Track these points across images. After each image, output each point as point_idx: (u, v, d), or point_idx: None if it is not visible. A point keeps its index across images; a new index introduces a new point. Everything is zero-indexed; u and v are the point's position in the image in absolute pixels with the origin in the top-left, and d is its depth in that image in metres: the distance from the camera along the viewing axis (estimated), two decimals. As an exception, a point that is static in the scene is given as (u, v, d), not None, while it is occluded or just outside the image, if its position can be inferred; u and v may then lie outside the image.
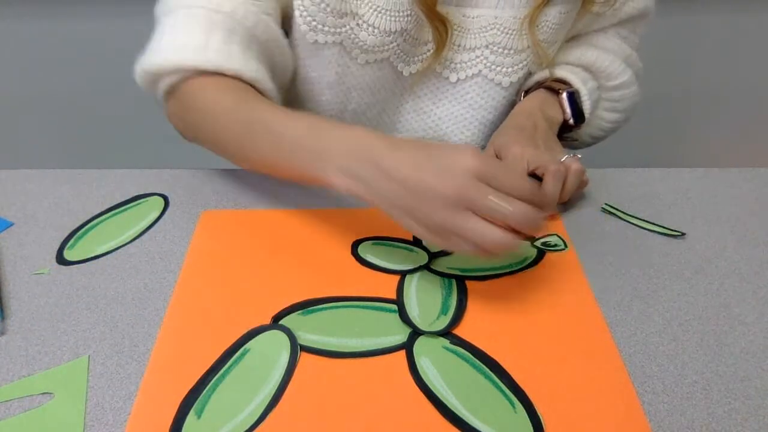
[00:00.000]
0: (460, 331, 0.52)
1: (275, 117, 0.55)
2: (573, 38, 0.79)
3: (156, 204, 0.66)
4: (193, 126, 0.63)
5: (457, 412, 0.46)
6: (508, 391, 0.47)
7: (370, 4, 0.65)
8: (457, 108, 0.75)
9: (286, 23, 0.69)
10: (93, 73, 1.43)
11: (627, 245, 0.62)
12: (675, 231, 0.63)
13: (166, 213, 0.65)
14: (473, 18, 0.69)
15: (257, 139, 0.56)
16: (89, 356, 0.50)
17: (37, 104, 1.49)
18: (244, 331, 0.51)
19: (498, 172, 0.45)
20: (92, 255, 0.59)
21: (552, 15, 0.70)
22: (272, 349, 0.50)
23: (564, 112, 0.74)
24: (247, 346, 0.50)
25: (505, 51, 0.70)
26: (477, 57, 0.71)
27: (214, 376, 0.48)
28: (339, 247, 0.60)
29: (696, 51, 1.47)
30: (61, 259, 0.59)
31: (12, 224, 0.63)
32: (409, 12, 0.66)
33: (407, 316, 0.53)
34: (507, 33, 0.69)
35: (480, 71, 0.72)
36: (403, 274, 0.57)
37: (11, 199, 0.66)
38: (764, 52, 1.49)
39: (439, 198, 0.46)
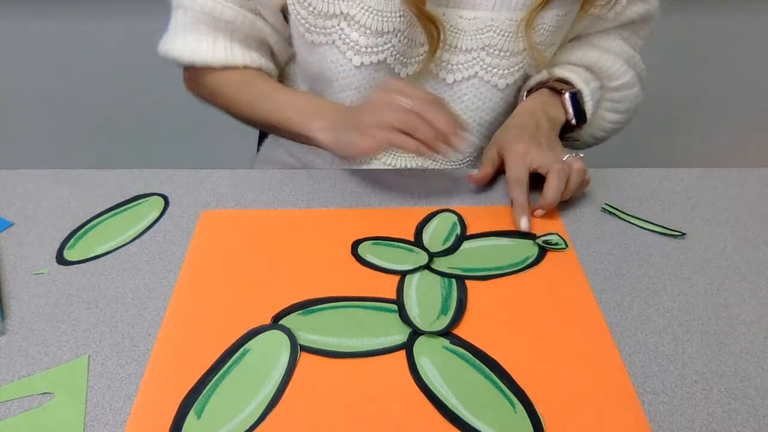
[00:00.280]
0: (460, 331, 0.52)
1: (274, 87, 0.73)
2: (575, 39, 0.79)
3: (156, 204, 0.66)
4: (207, 94, 0.77)
5: (457, 412, 0.46)
6: (508, 391, 0.47)
7: (361, 5, 0.65)
8: (454, 109, 0.75)
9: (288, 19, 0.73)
10: (93, 73, 1.43)
11: (627, 245, 0.62)
12: (675, 231, 0.63)
13: (166, 213, 0.65)
14: (470, 20, 0.69)
15: (259, 101, 0.72)
16: (89, 356, 0.50)
17: (37, 104, 1.49)
18: (244, 331, 0.51)
19: (406, 88, 0.60)
20: (92, 255, 0.59)
21: (549, 18, 0.70)
22: (272, 349, 0.50)
23: (566, 112, 0.74)
24: (247, 346, 0.50)
25: (501, 53, 0.70)
26: (474, 59, 0.71)
27: (214, 376, 0.48)
28: (339, 247, 0.60)
29: (696, 51, 1.47)
30: (61, 259, 0.59)
31: (12, 224, 0.63)
32: (400, 12, 0.66)
33: (407, 316, 0.53)
34: (503, 35, 0.69)
35: (476, 73, 0.72)
36: (403, 274, 0.57)
37: (11, 199, 0.66)
38: (764, 52, 1.49)
39: (365, 105, 0.63)
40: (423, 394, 0.47)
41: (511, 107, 0.76)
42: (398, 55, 0.69)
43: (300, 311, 0.53)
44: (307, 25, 0.69)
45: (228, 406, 0.46)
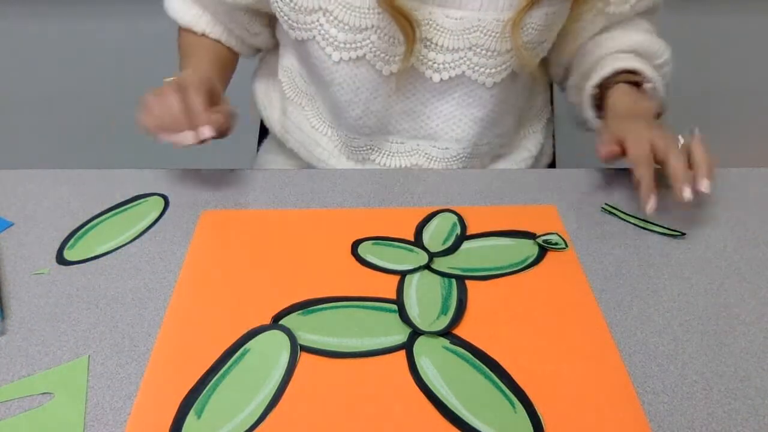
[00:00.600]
0: (460, 331, 0.52)
1: (191, 61, 0.79)
2: (604, 30, 0.79)
3: (156, 204, 0.66)
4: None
5: (457, 412, 0.46)
6: (508, 391, 0.47)
7: (338, 0, 0.66)
8: (446, 106, 0.75)
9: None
10: (93, 73, 1.43)
11: (627, 245, 0.62)
12: (675, 231, 0.63)
13: (166, 213, 0.65)
14: (457, 19, 0.69)
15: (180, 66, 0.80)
16: (89, 356, 0.50)
17: (37, 104, 1.49)
18: (244, 331, 0.51)
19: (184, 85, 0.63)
20: (92, 255, 0.59)
21: (537, 17, 0.69)
22: (272, 349, 0.50)
23: (654, 101, 0.73)
24: (247, 346, 0.50)
25: (488, 53, 0.70)
26: (460, 58, 0.71)
27: (214, 376, 0.48)
28: (339, 247, 0.60)
29: (696, 51, 1.47)
30: (61, 259, 0.59)
31: (12, 224, 0.63)
32: (377, 9, 0.66)
33: (407, 316, 0.53)
34: (490, 35, 0.69)
35: (464, 72, 0.72)
36: (403, 274, 0.57)
37: (11, 199, 0.66)
38: (764, 52, 1.49)
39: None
40: (423, 394, 0.47)
41: (502, 102, 0.75)
42: (378, 52, 0.70)
43: (300, 311, 0.53)
44: (290, 21, 0.71)
45: (228, 406, 0.46)
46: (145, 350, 0.50)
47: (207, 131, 0.60)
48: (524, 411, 0.46)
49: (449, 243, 0.61)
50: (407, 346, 0.50)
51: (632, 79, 0.74)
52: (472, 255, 0.60)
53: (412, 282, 0.56)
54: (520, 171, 0.74)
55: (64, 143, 1.52)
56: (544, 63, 0.82)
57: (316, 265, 0.58)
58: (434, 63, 0.71)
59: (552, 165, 0.96)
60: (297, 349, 0.50)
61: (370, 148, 0.78)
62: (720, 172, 0.73)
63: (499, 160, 0.83)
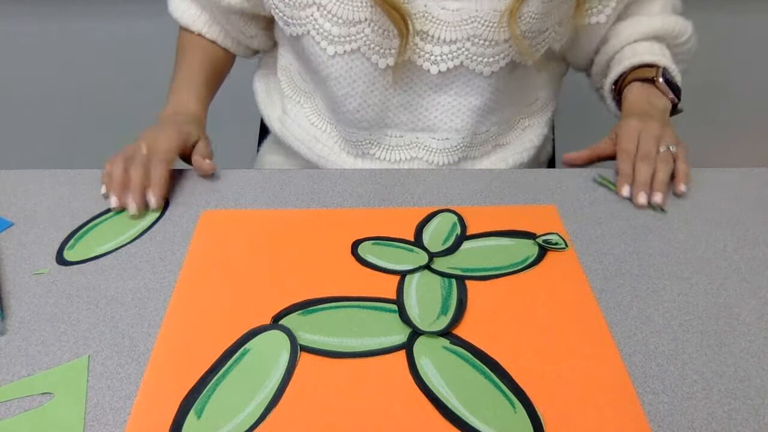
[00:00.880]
0: (460, 331, 0.52)
1: (183, 70, 0.82)
2: (621, 17, 0.80)
3: None
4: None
5: (457, 412, 0.46)
6: (508, 391, 0.47)
7: None
8: (443, 97, 0.75)
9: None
10: (93, 73, 1.43)
11: (627, 245, 0.62)
12: (657, 207, 0.66)
13: (166, 213, 0.65)
14: (453, 11, 0.69)
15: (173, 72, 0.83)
16: (89, 356, 0.50)
17: (37, 104, 1.49)
18: (244, 331, 0.51)
19: (154, 144, 0.68)
20: (92, 255, 0.59)
21: (534, 5, 0.69)
22: (272, 349, 0.50)
23: (668, 96, 0.77)
24: (247, 346, 0.50)
25: (486, 42, 0.70)
26: (458, 49, 0.71)
27: (214, 376, 0.48)
28: (339, 247, 0.60)
29: (697, 50, 1.47)
30: (61, 260, 0.59)
31: (12, 224, 0.63)
32: (371, 2, 0.67)
33: (407, 316, 0.53)
34: (487, 25, 0.69)
35: (462, 63, 0.72)
36: (403, 274, 0.57)
37: (11, 199, 0.66)
38: (764, 52, 1.49)
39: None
40: (423, 394, 0.47)
41: (499, 91, 0.75)
42: (373, 45, 0.70)
43: (300, 311, 0.53)
44: (285, 18, 0.72)
45: (228, 406, 0.46)
46: (145, 350, 0.50)
47: (152, 201, 0.64)
48: (524, 411, 0.46)
49: (449, 243, 0.61)
50: (407, 346, 0.50)
51: (645, 74, 0.77)
52: (472, 255, 0.60)
53: (412, 282, 0.56)
54: (520, 171, 0.74)
55: (64, 143, 1.52)
56: (553, 56, 0.82)
57: (316, 265, 0.58)
58: (431, 55, 0.71)
59: (552, 165, 0.96)
60: (297, 349, 0.50)
61: (369, 143, 0.79)
62: (720, 172, 0.73)
63: (500, 149, 0.83)
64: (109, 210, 0.65)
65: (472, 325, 0.52)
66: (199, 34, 0.83)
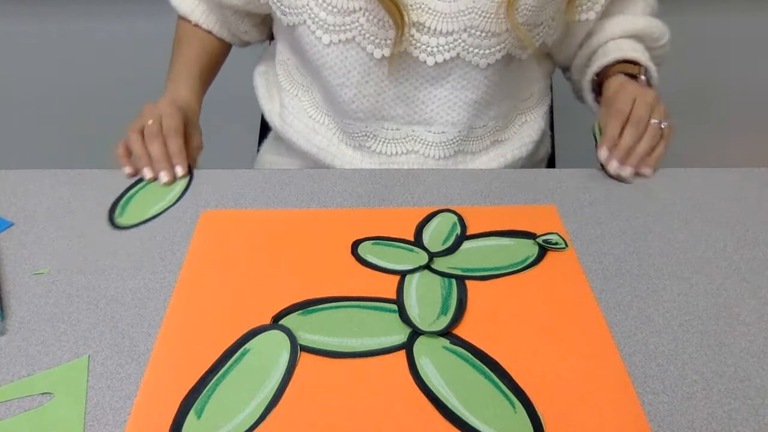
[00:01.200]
0: (460, 331, 0.52)
1: (179, 59, 0.84)
2: (606, 15, 0.80)
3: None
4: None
5: (457, 412, 0.46)
6: (508, 391, 0.47)
7: None
8: (439, 90, 0.75)
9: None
10: (93, 73, 1.43)
11: (627, 245, 0.62)
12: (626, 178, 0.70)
13: (165, 213, 0.65)
14: (450, 2, 0.69)
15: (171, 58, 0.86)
16: (89, 356, 0.50)
17: (37, 104, 1.49)
18: (244, 331, 0.51)
19: (163, 112, 0.73)
20: (145, 218, 0.64)
21: None
22: (272, 349, 0.50)
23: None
24: (247, 346, 0.50)
25: (483, 34, 0.70)
26: (455, 40, 0.71)
27: (214, 376, 0.48)
28: (339, 247, 0.60)
29: (696, 51, 1.47)
30: (114, 225, 0.64)
31: (12, 224, 0.63)
32: None
33: (407, 316, 0.53)
34: (484, 16, 0.69)
35: (458, 54, 0.72)
36: (403, 274, 0.57)
37: (11, 199, 0.66)
38: (764, 52, 1.49)
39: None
40: (423, 394, 0.47)
41: (495, 85, 0.75)
42: (368, 35, 0.70)
43: (300, 311, 0.53)
44: (282, 7, 0.73)
45: (228, 406, 0.46)
46: (145, 350, 0.50)
47: (180, 171, 0.70)
48: (524, 411, 0.46)
49: (449, 243, 0.61)
50: (407, 346, 0.50)
51: (629, 70, 0.77)
52: (472, 255, 0.60)
53: (412, 282, 0.56)
54: (520, 171, 0.74)
55: (64, 143, 1.52)
56: (546, 52, 0.82)
57: (316, 265, 0.58)
58: (428, 47, 0.71)
59: (552, 165, 0.96)
60: (297, 349, 0.50)
61: (366, 135, 0.79)
62: (720, 172, 0.73)
63: (498, 145, 0.83)
64: (138, 181, 0.70)
65: (472, 325, 0.52)
66: (196, 25, 0.85)
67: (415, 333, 0.51)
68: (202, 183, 0.69)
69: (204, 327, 0.52)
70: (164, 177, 0.69)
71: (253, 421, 0.45)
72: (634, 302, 0.55)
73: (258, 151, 0.96)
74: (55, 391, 0.47)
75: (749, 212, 0.67)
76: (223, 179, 0.70)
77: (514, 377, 0.48)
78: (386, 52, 0.71)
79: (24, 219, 0.64)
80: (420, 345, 0.51)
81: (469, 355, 0.50)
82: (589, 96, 0.83)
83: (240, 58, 0.90)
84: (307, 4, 0.70)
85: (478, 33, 0.70)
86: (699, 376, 0.49)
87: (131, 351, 0.50)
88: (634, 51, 0.79)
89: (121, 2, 1.32)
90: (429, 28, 0.70)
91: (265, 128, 0.94)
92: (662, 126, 0.71)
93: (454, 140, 0.78)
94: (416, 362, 0.49)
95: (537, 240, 0.61)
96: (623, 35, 0.80)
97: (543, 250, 0.60)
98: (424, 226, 0.63)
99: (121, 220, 0.64)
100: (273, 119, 0.86)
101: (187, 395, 0.47)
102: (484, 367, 0.49)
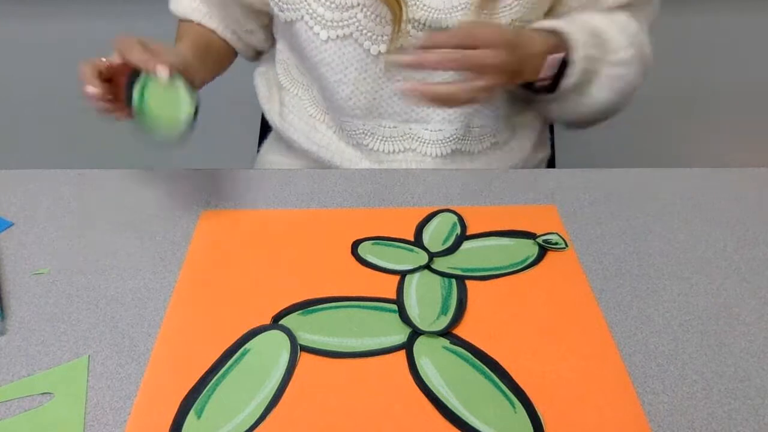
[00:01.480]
0: (460, 331, 0.52)
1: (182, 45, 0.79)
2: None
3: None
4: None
5: (457, 412, 0.46)
6: (508, 391, 0.47)
7: None
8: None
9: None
10: (93, 73, 1.43)
11: (627, 245, 0.62)
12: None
13: (166, 213, 0.65)
14: None
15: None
16: (89, 356, 0.50)
17: (37, 104, 1.49)
18: (244, 331, 0.51)
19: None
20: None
21: None
22: (272, 349, 0.50)
23: (546, 71, 0.69)
24: (247, 346, 0.50)
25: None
26: None
27: (214, 376, 0.48)
28: (339, 247, 0.60)
29: (696, 50, 1.47)
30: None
31: (12, 224, 0.63)
32: None
33: (407, 316, 0.53)
34: (477, 12, 0.69)
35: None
36: (403, 274, 0.57)
37: (11, 199, 0.66)
38: (764, 52, 1.49)
39: None
40: (423, 394, 0.47)
41: None
42: (365, 31, 0.71)
43: (300, 311, 0.53)
44: (280, 3, 0.73)
45: (228, 406, 0.46)
46: (145, 350, 0.50)
47: (161, 70, 0.59)
48: (524, 411, 0.46)
49: (449, 243, 0.61)
50: (407, 346, 0.50)
51: (557, 41, 0.70)
52: (472, 255, 0.60)
53: (412, 282, 0.56)
54: (520, 171, 0.74)
55: (64, 143, 1.51)
56: None
57: (316, 265, 0.58)
58: None
59: (552, 165, 0.96)
60: (297, 349, 0.50)
61: (363, 133, 0.79)
62: (720, 172, 0.73)
63: (497, 147, 0.82)
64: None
65: (472, 325, 0.52)
66: (199, 24, 0.83)
67: (415, 333, 0.51)
68: (202, 183, 0.69)
69: (204, 327, 0.52)
70: (162, 71, 0.59)
71: (253, 421, 0.45)
72: (634, 302, 0.55)
73: (258, 151, 0.96)
74: (55, 391, 0.47)
75: (749, 212, 0.67)
76: (223, 179, 0.70)
77: (514, 377, 0.48)
78: (383, 48, 0.72)
79: (24, 219, 0.64)
80: (420, 345, 0.51)
81: (469, 355, 0.50)
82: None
83: (240, 58, 0.90)
84: (305, 0, 0.70)
85: None
86: (699, 376, 0.49)
87: (131, 351, 0.50)
88: (580, 36, 0.70)
89: (121, 2, 1.32)
90: (424, 24, 0.70)
91: (265, 128, 0.94)
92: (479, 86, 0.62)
93: (451, 138, 0.78)
94: (416, 362, 0.49)
95: (537, 240, 0.61)
96: (583, 25, 0.73)
97: (543, 250, 0.60)
98: (424, 226, 0.63)
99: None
100: (273, 118, 0.86)
101: (187, 395, 0.47)
102: (484, 367, 0.49)
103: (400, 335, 0.51)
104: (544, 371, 0.49)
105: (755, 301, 0.56)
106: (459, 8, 0.69)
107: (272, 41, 0.88)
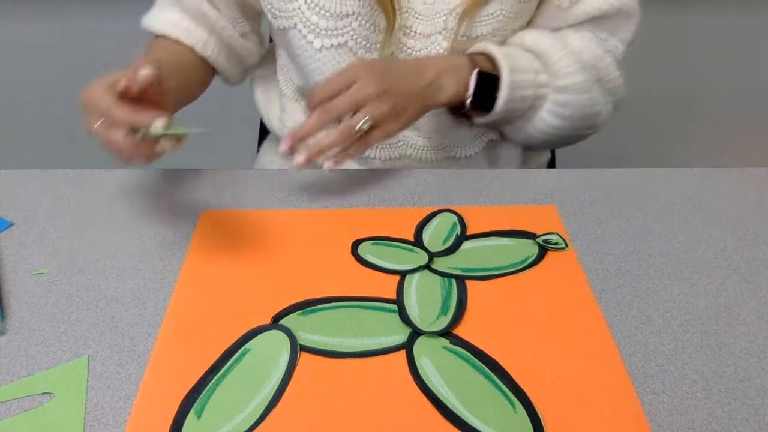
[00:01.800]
0: (460, 331, 0.52)
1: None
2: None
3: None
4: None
5: (457, 412, 0.46)
6: (508, 391, 0.47)
7: None
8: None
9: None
10: (93, 73, 1.43)
11: (627, 245, 0.62)
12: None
13: (166, 213, 0.65)
14: (430, 4, 0.70)
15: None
16: (89, 356, 0.50)
17: (37, 104, 1.49)
18: (244, 331, 0.51)
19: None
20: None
21: (508, 3, 0.69)
22: (272, 349, 0.50)
23: (467, 88, 0.69)
24: (247, 346, 0.50)
25: (456, 37, 0.70)
26: (431, 43, 0.71)
27: (214, 376, 0.48)
28: (339, 247, 0.60)
29: (696, 50, 1.47)
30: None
31: (12, 224, 0.63)
32: None
33: (407, 316, 0.53)
34: (454, 17, 0.69)
35: None
36: (403, 274, 0.57)
37: (11, 199, 0.66)
38: (764, 52, 1.49)
39: None
40: (423, 394, 0.47)
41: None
42: (360, 39, 0.70)
43: (300, 311, 0.53)
44: (273, 10, 0.72)
45: (228, 406, 0.46)
46: (145, 350, 0.50)
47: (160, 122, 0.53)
48: (524, 411, 0.46)
49: (449, 243, 0.61)
50: (407, 346, 0.50)
51: (486, 65, 0.69)
52: (472, 255, 0.60)
53: (412, 282, 0.56)
54: (520, 171, 0.74)
55: (64, 143, 1.51)
56: None
57: (316, 265, 0.58)
58: (412, 51, 0.72)
59: (552, 165, 0.96)
60: (297, 349, 0.50)
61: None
62: (720, 172, 0.73)
63: (492, 147, 0.82)
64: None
65: (472, 325, 0.52)
66: (176, 41, 0.75)
67: (415, 333, 0.51)
68: (202, 183, 0.69)
69: (204, 327, 0.52)
70: (159, 122, 0.52)
71: (253, 421, 0.45)
72: (634, 302, 0.55)
73: (258, 151, 0.96)
74: (55, 391, 0.47)
75: (749, 212, 0.67)
76: (223, 179, 0.70)
77: (514, 377, 0.48)
78: (375, 56, 0.72)
79: (24, 219, 0.64)
80: (420, 345, 0.51)
81: (469, 355, 0.50)
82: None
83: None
84: (299, 8, 0.70)
85: (451, 37, 0.70)
86: (699, 376, 0.49)
87: (131, 351, 0.50)
88: (509, 59, 0.69)
89: (121, 2, 1.32)
90: (415, 31, 0.71)
91: (264, 130, 0.94)
92: (361, 126, 0.61)
93: (443, 145, 0.78)
94: (416, 362, 0.49)
95: (537, 240, 0.61)
96: (524, 45, 0.72)
97: (543, 250, 0.60)
98: (424, 226, 0.63)
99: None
100: (272, 123, 0.86)
101: (187, 395, 0.47)
102: (484, 367, 0.49)
103: (400, 335, 0.51)
104: (544, 371, 0.49)
105: (755, 301, 0.56)
106: (440, 14, 0.70)
107: (262, 52, 0.86)
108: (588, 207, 0.67)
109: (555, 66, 0.71)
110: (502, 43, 0.74)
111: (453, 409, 0.46)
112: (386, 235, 0.62)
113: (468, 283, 0.57)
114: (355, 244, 0.61)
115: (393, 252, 0.60)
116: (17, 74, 1.44)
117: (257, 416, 0.45)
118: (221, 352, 0.50)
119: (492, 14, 0.70)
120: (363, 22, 0.69)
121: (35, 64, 1.43)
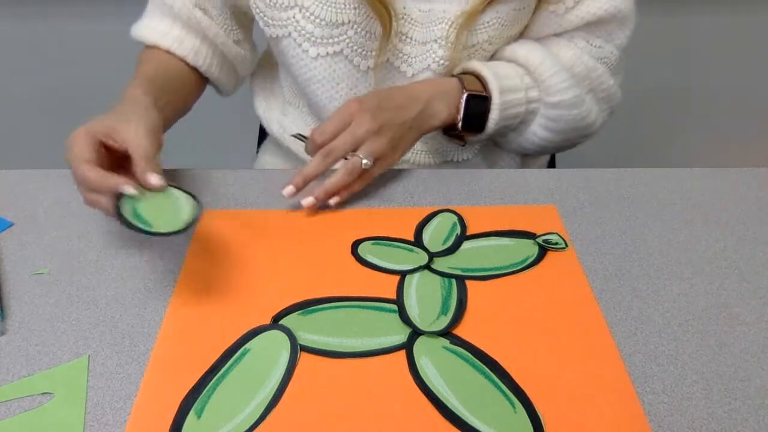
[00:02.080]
0: (460, 331, 0.52)
1: (137, 77, 0.70)
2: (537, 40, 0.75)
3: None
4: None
5: (457, 412, 0.46)
6: (508, 391, 0.47)
7: None
8: None
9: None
10: (92, 73, 1.43)
11: (627, 245, 0.62)
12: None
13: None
14: (426, 12, 0.69)
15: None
16: (89, 356, 0.50)
17: (37, 104, 1.49)
18: (244, 331, 0.51)
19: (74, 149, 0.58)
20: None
21: (504, 11, 0.69)
22: (272, 349, 0.50)
23: (459, 111, 0.70)
24: (247, 346, 0.50)
25: (452, 45, 0.70)
26: (427, 51, 0.71)
27: (214, 376, 0.48)
28: (339, 247, 0.60)
29: (696, 50, 1.47)
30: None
31: (12, 224, 0.63)
32: (354, 4, 0.67)
33: (407, 316, 0.53)
34: (454, 28, 0.69)
35: (428, 65, 0.72)
36: (403, 274, 0.57)
37: (11, 199, 0.66)
38: (764, 52, 1.49)
39: None
40: (423, 394, 0.47)
41: None
42: (355, 47, 0.70)
43: (300, 311, 0.53)
44: (266, 18, 0.71)
45: (228, 406, 0.46)
46: (145, 350, 0.50)
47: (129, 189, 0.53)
48: (524, 411, 0.46)
49: (449, 243, 0.61)
50: (407, 346, 0.50)
51: (474, 87, 0.70)
52: (472, 255, 0.60)
53: (412, 282, 0.56)
54: (520, 171, 0.74)
55: (64, 143, 1.52)
56: None
57: (316, 265, 0.58)
58: (408, 57, 0.72)
59: (552, 165, 0.96)
60: (297, 349, 0.50)
61: None
62: (720, 172, 0.73)
63: (488, 150, 0.82)
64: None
65: (472, 325, 0.52)
66: (167, 51, 0.74)
67: (415, 333, 0.51)
68: (202, 183, 0.69)
69: (204, 327, 0.52)
70: (155, 182, 0.54)
71: (253, 421, 0.45)
72: (634, 302, 0.55)
73: (257, 151, 0.96)
74: (55, 391, 0.47)
75: (749, 212, 0.67)
76: (223, 179, 0.70)
77: (514, 377, 0.48)
78: (371, 63, 0.71)
79: (24, 219, 0.64)
80: (420, 345, 0.51)
81: (469, 355, 0.50)
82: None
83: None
84: (293, 17, 0.69)
85: (447, 44, 0.70)
86: (699, 376, 0.49)
87: (131, 351, 0.50)
88: (501, 79, 0.69)
89: (121, 2, 1.32)
90: (411, 38, 0.71)
91: (264, 130, 0.94)
92: (364, 163, 0.63)
93: (440, 150, 0.78)
94: (416, 362, 0.49)
95: (537, 240, 0.61)
96: (516, 60, 0.72)
97: (543, 250, 0.60)
98: (424, 226, 0.63)
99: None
100: (272, 127, 0.85)
101: (187, 395, 0.47)
102: (484, 367, 0.49)
103: (400, 335, 0.51)
104: (544, 371, 0.49)
105: (755, 301, 0.56)
106: (435, 23, 0.69)
107: (254, 60, 0.85)
108: (588, 207, 0.67)
109: (546, 83, 0.71)
110: (496, 52, 0.74)
111: (453, 409, 0.46)
112: (386, 235, 0.62)
113: (468, 283, 0.57)
114: (355, 244, 0.61)
115: (393, 252, 0.60)
116: (17, 74, 1.44)
117: (257, 416, 0.45)
118: (221, 352, 0.50)
119: (488, 22, 0.70)
120: (359, 29, 0.69)
121: (35, 64, 1.43)
